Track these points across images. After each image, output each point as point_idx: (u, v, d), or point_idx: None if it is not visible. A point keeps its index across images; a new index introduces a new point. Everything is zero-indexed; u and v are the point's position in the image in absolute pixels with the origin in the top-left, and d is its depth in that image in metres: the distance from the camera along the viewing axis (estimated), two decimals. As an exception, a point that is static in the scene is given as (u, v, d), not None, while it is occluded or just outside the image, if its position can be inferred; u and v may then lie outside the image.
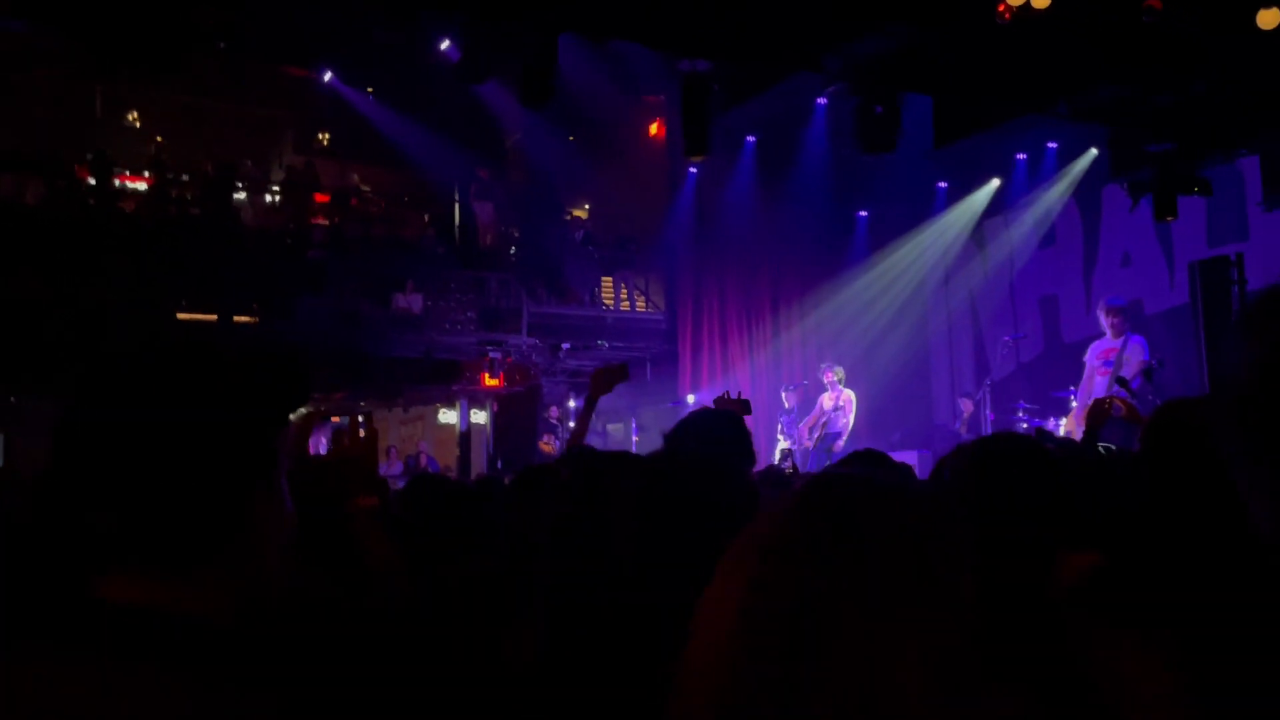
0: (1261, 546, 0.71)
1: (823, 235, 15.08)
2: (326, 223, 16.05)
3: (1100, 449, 6.89)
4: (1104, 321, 8.99)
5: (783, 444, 12.00)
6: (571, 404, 16.35)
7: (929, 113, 7.61)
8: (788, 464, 5.86)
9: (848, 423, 11.08)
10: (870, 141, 6.60)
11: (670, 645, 1.26)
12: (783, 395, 12.69)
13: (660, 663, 1.25)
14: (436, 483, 3.68)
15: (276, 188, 16.76)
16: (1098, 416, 5.30)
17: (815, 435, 11.19)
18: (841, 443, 10.98)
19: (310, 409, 2.80)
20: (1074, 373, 11.03)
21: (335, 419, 2.59)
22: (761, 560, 0.92)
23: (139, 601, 1.02)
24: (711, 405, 3.87)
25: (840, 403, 11.21)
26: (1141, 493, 1.89)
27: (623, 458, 2.06)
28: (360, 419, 2.54)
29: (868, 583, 0.87)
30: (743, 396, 3.88)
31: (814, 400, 12.19)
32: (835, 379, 11.32)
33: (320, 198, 16.60)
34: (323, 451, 2.72)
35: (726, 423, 2.77)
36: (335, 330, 14.04)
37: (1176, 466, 1.67)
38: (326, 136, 17.54)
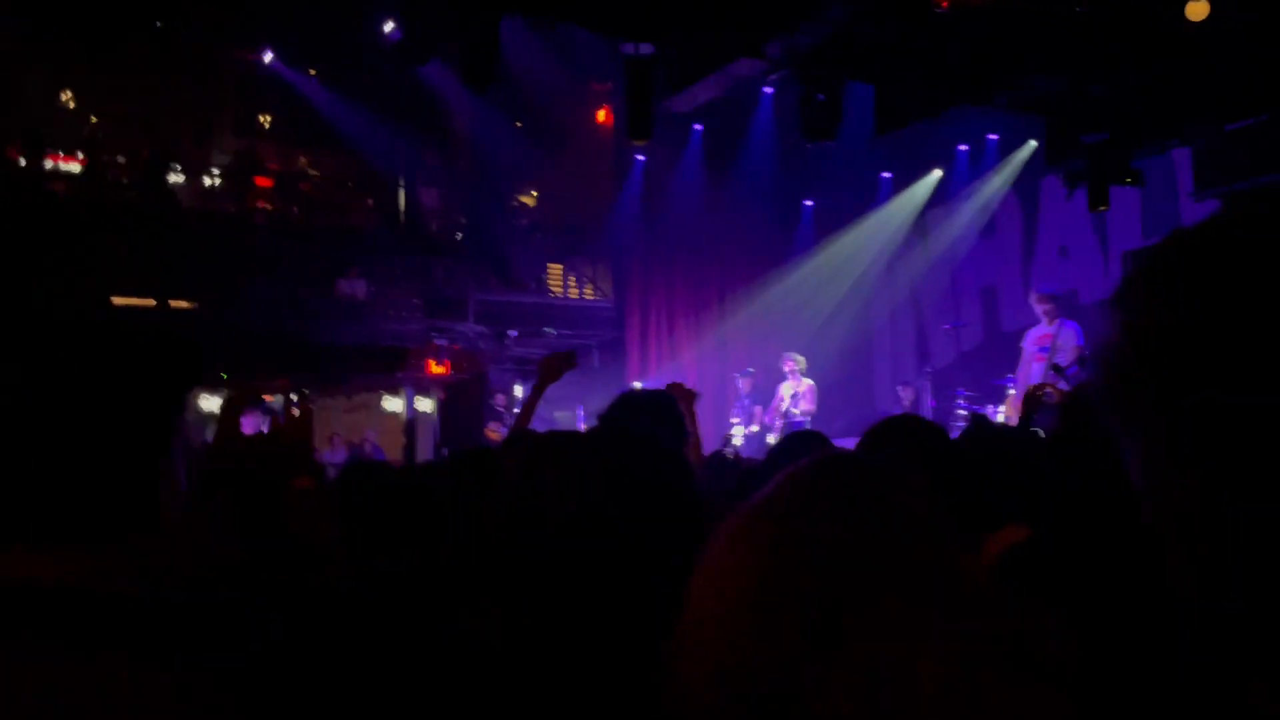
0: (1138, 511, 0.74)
1: (769, 224, 15.18)
2: (269, 207, 15.79)
3: (1036, 435, 7.03)
4: (1036, 309, 9.19)
5: (737, 431, 12.09)
6: (519, 391, 16.28)
7: (871, 101, 7.72)
8: (730, 449, 5.91)
9: (810, 410, 11.16)
10: (813, 130, 6.67)
11: (625, 621, 1.27)
12: (738, 381, 12.78)
13: (618, 639, 1.26)
14: (373, 469, 3.65)
15: (217, 171, 16.43)
16: (1032, 403, 5.43)
17: (778, 423, 11.26)
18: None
19: (238, 391, 2.77)
20: (1013, 361, 11.24)
21: (269, 398, 2.56)
22: (780, 529, 0.90)
23: (44, 578, 1.01)
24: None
25: (800, 390, 11.30)
26: (1057, 471, 1.96)
27: (560, 437, 2.07)
28: (294, 399, 2.52)
29: (896, 561, 0.87)
30: (690, 388, 3.90)
31: (768, 387, 12.31)
32: (795, 367, 11.39)
33: (262, 182, 16.32)
34: (264, 432, 2.70)
35: (657, 400, 2.80)
36: (278, 316, 13.85)
37: (1080, 443, 1.73)
38: (268, 119, 17.24)
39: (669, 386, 3.86)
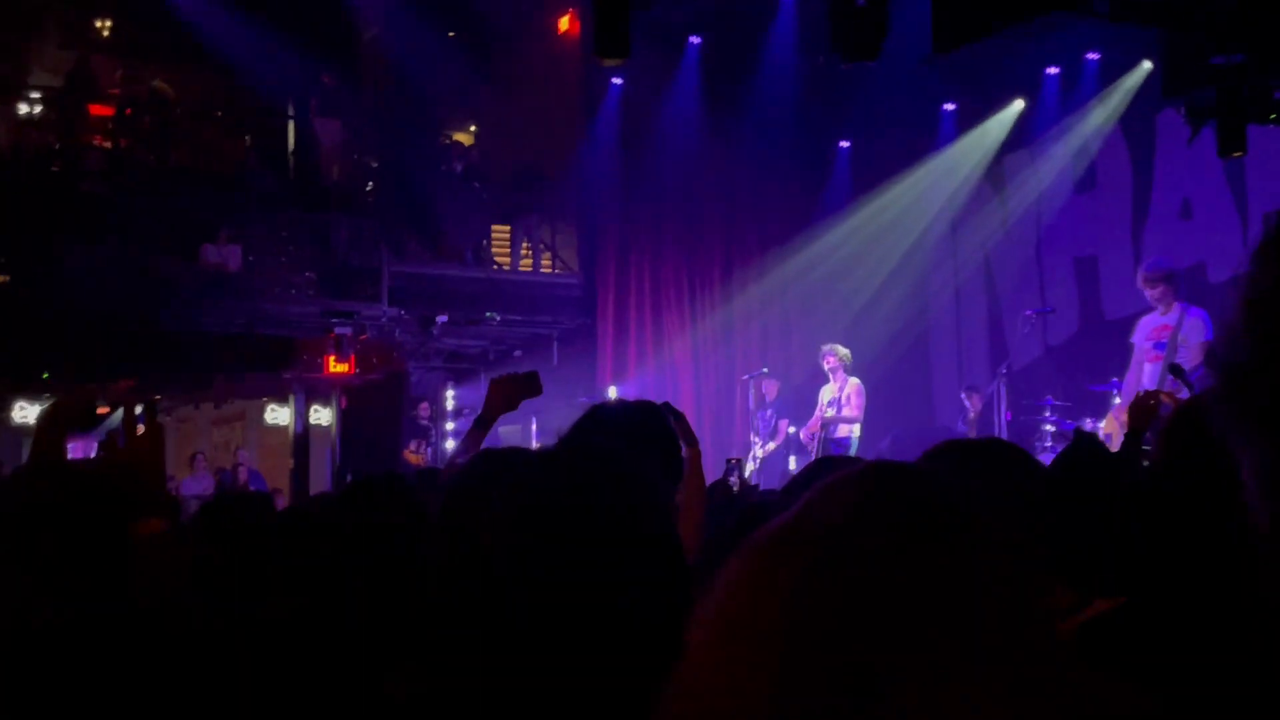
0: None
1: (791, 173, 15.25)
2: (107, 145, 15.73)
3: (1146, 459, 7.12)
4: (1146, 292, 9.29)
5: (757, 449, 12.26)
6: (450, 396, 16.33)
7: (927, 7, 7.74)
8: (734, 478, 5.95)
9: (855, 418, 11.27)
10: (850, 46, 6.73)
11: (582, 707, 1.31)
12: (753, 386, 12.88)
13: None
14: (247, 504, 3.67)
15: (36, 95, 16.35)
16: (1142, 416, 5.49)
17: (815, 442, 11.37)
18: (853, 449, 11.21)
19: (62, 400, 2.78)
20: (1117, 359, 11.37)
21: (103, 409, 2.58)
22: (813, 557, 0.92)
23: None
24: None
25: (845, 394, 11.39)
26: (1156, 515, 1.99)
27: (502, 459, 2.10)
28: (139, 410, 2.54)
29: (962, 603, 0.90)
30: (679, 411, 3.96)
31: (801, 391, 12.39)
32: (838, 363, 11.50)
33: (98, 110, 16.27)
34: (99, 456, 2.71)
35: (639, 415, 2.83)
36: (118, 293, 13.81)
37: (1190, 475, 1.77)
38: (107, 25, 17.18)
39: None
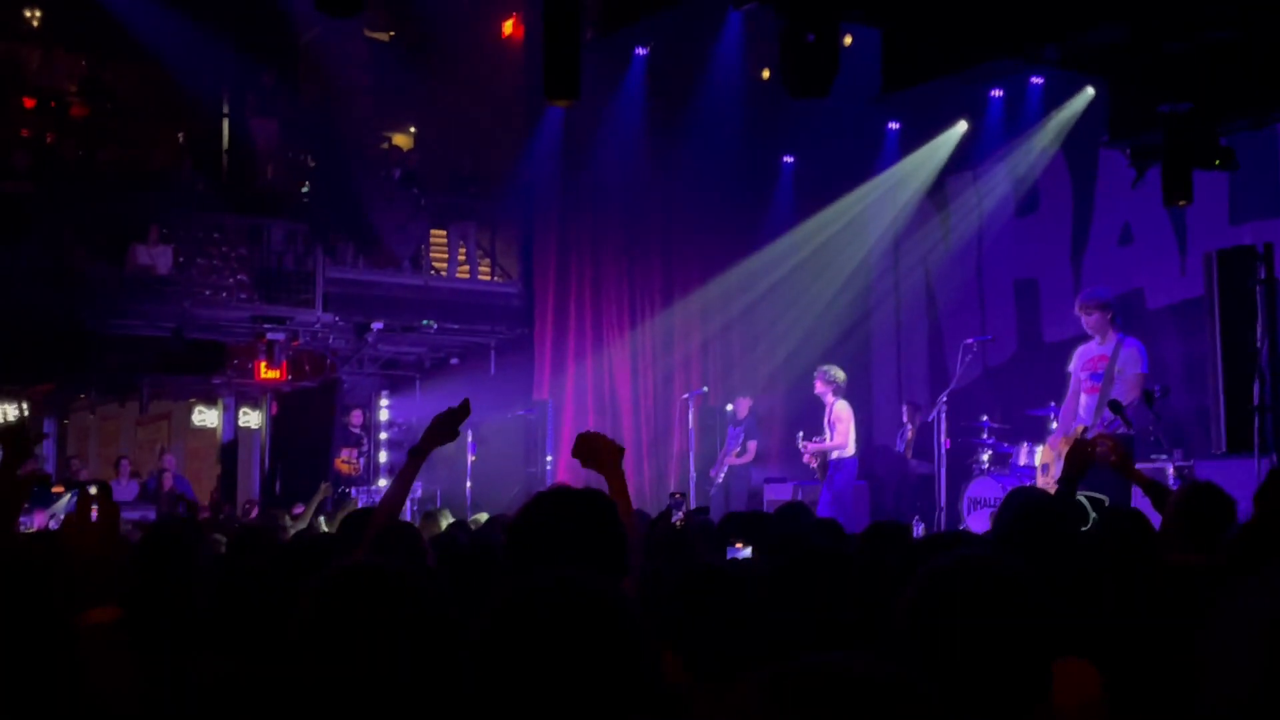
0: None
1: (735, 186, 15.34)
2: (34, 140, 15.50)
3: (1082, 501, 7.31)
4: (1084, 319, 9.47)
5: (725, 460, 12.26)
6: (384, 406, 16.26)
7: (875, 49, 7.85)
8: (679, 515, 5.99)
9: (838, 445, 11.32)
10: (798, 81, 6.80)
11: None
12: (698, 404, 12.98)
13: None
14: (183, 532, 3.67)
15: (-41, 86, 16.07)
16: (1078, 462, 5.62)
17: (816, 464, 11.46)
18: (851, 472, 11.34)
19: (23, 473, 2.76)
20: (1055, 383, 11.56)
21: (58, 488, 2.56)
22: None
23: None
24: (573, 445, 4.01)
25: (830, 418, 11.46)
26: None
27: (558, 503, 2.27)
28: (93, 490, 2.54)
29: None
30: (617, 443, 4.02)
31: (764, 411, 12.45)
32: (825, 386, 11.52)
33: (24, 102, 16.04)
34: (52, 528, 2.71)
35: (586, 510, 2.84)
36: (41, 294, 13.63)
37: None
38: (36, 15, 16.90)
39: (579, 440, 3.98)
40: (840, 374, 11.59)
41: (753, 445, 12.77)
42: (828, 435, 11.49)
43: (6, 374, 15.04)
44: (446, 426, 3.90)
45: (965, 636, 2.03)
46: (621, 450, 3.89)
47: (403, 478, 3.99)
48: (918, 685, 1.13)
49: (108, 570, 2.30)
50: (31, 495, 2.66)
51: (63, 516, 2.54)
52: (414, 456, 3.91)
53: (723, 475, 12.68)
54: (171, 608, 2.92)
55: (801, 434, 11.94)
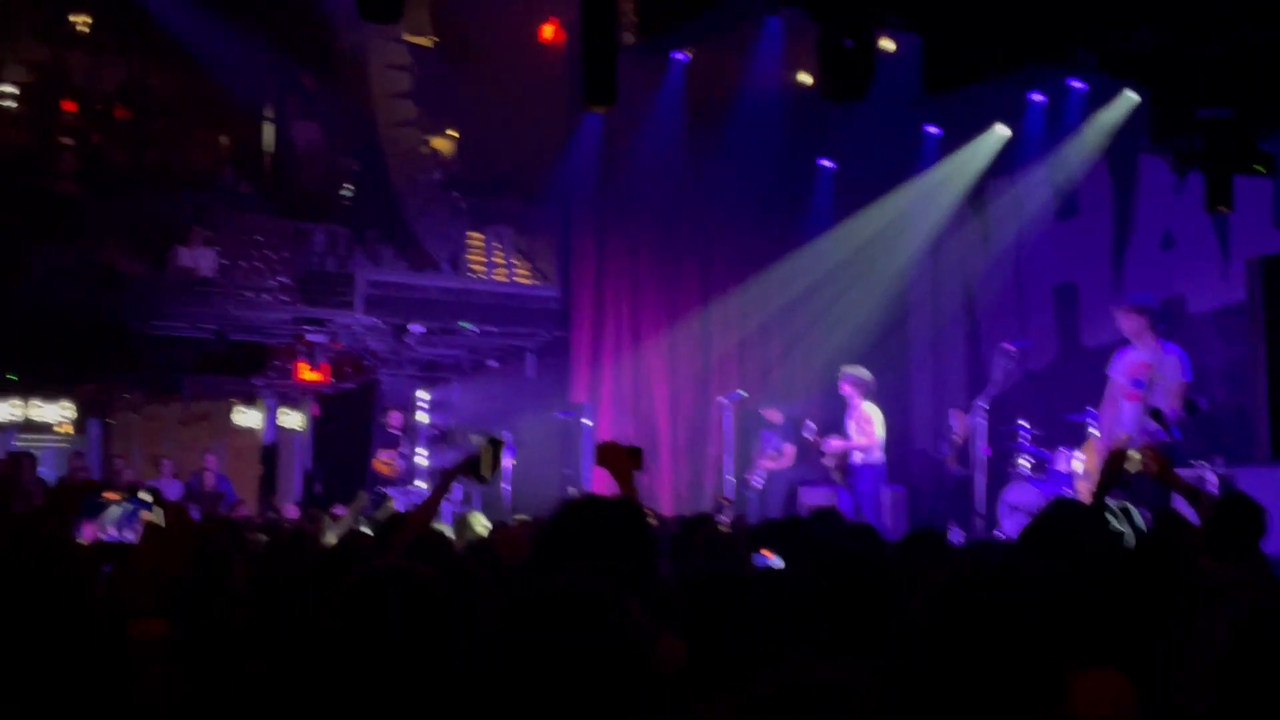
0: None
1: (773, 190, 15.33)
2: (81, 143, 15.66)
3: (1112, 510, 7.27)
4: (1123, 325, 9.40)
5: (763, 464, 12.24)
6: (424, 411, 16.36)
7: (916, 53, 7.86)
8: (725, 516, 6.00)
9: (864, 445, 11.25)
10: (837, 86, 6.83)
11: None
12: (737, 408, 12.98)
13: None
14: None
15: (12, 89, 16.26)
16: (1113, 470, 5.59)
17: (836, 468, 11.42)
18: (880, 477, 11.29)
19: (74, 480, 2.82)
20: (1094, 388, 11.47)
21: (111, 495, 2.61)
22: None
23: None
24: (600, 445, 4.11)
25: (858, 420, 11.39)
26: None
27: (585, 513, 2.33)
28: (147, 498, 2.59)
29: None
30: (634, 446, 4.11)
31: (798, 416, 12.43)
32: (851, 389, 11.46)
33: (71, 107, 16.22)
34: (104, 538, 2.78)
35: (619, 532, 2.87)
36: (86, 295, 13.80)
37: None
38: (83, 20, 17.09)
39: (599, 450, 4.07)
40: (868, 375, 11.53)
41: (789, 449, 12.76)
42: (852, 436, 11.41)
43: (52, 374, 15.25)
44: (475, 463, 4.03)
45: (974, 641, 2.05)
46: (639, 453, 3.97)
47: (434, 495, 4.13)
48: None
49: (163, 583, 2.35)
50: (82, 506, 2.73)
51: (123, 526, 2.61)
52: (444, 477, 4.05)
53: (760, 480, 12.70)
54: (217, 619, 2.99)
55: (814, 428, 11.85)
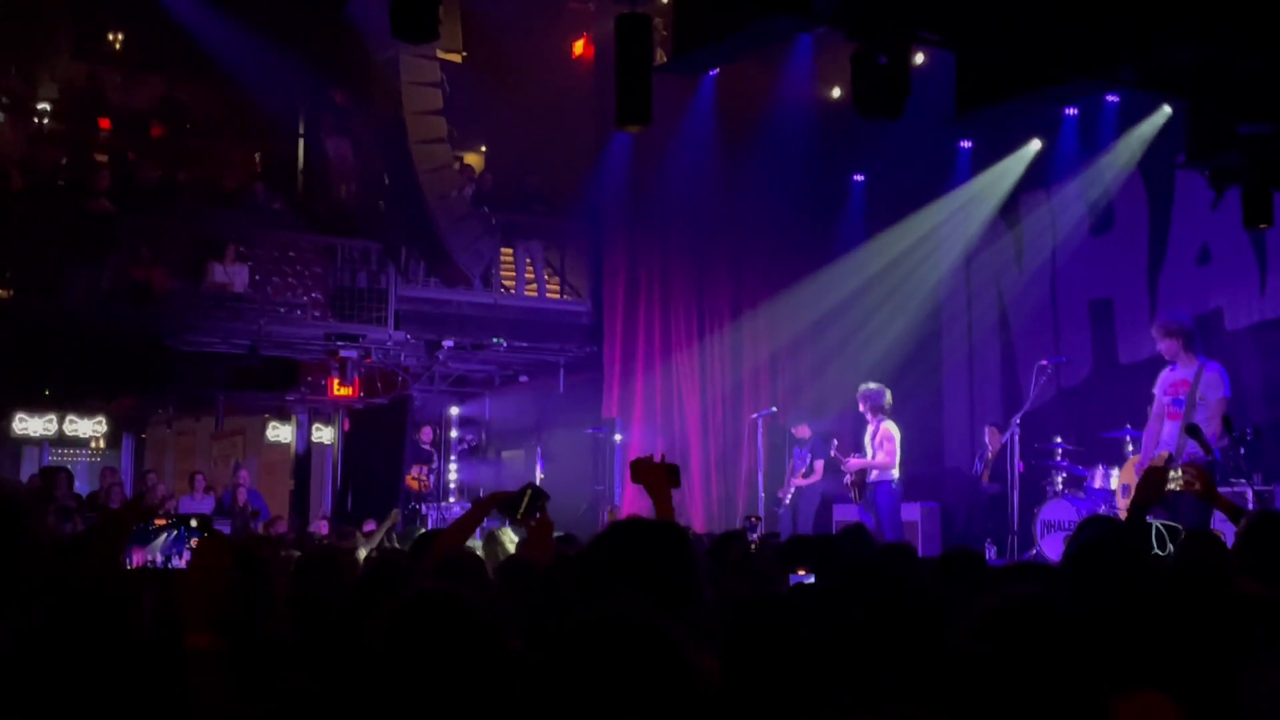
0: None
1: (804, 205, 15.34)
2: (115, 160, 15.79)
3: (1152, 529, 7.19)
4: (1160, 346, 9.33)
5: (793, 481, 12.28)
6: (453, 420, 16.41)
7: (949, 70, 7.86)
8: (754, 537, 6.00)
9: (885, 464, 11.19)
10: (870, 103, 6.82)
11: None
12: (768, 424, 12.96)
13: None
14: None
15: (47, 106, 16.44)
16: (1150, 489, 5.52)
17: (853, 486, 11.39)
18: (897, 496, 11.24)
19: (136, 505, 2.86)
20: (1131, 405, 11.41)
21: (160, 521, 2.65)
22: None
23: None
24: (634, 462, 4.10)
25: (878, 438, 11.34)
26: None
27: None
28: (194, 524, 2.62)
29: None
30: (669, 462, 4.10)
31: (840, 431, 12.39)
32: (866, 406, 11.41)
33: (104, 123, 16.38)
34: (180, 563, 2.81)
35: (663, 556, 2.84)
36: (122, 312, 13.91)
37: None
38: (118, 38, 17.28)
39: (634, 466, 4.05)
40: (886, 393, 11.48)
41: (820, 465, 12.73)
42: (870, 455, 11.36)
43: (88, 389, 15.37)
44: (512, 502, 4.04)
45: (1018, 669, 2.05)
46: (676, 470, 3.96)
47: (466, 521, 4.12)
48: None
49: (210, 601, 2.37)
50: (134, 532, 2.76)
51: (171, 553, 2.64)
52: (476, 507, 4.05)
53: (790, 496, 12.68)
54: (261, 634, 3.01)
55: (835, 443, 11.83)
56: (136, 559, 2.81)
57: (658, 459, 4.11)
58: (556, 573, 4.16)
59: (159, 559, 2.78)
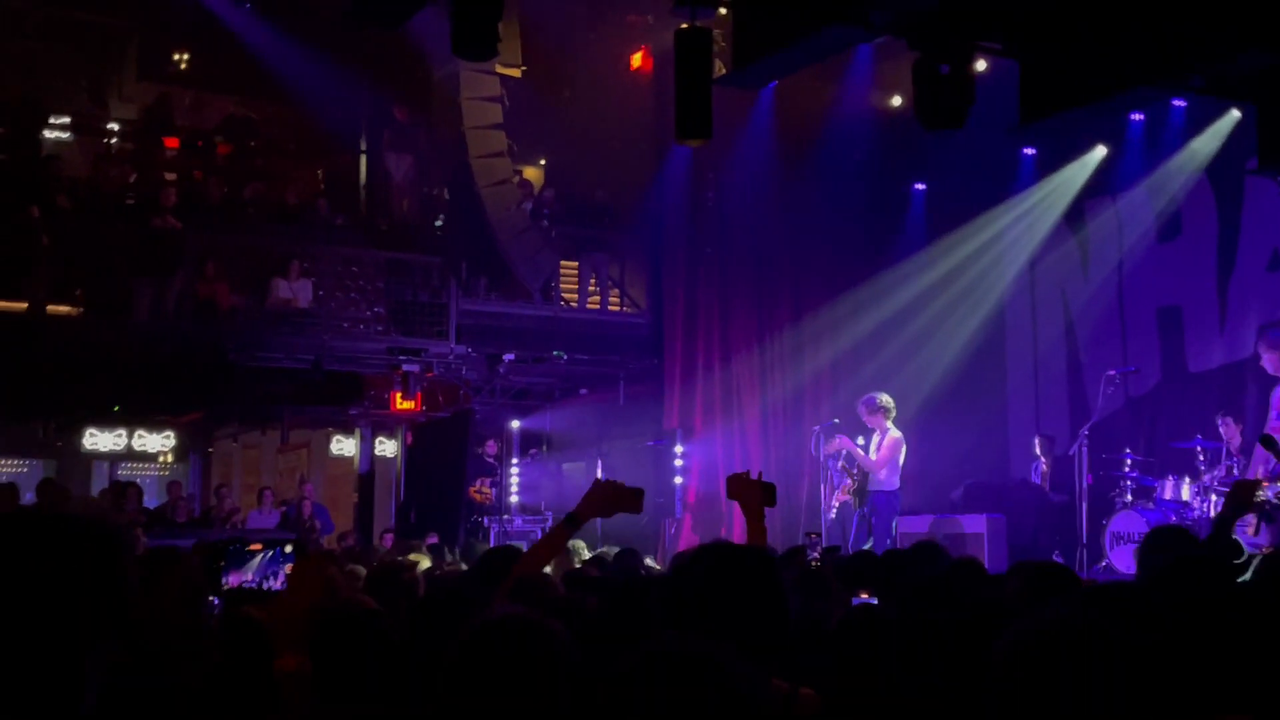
0: None
1: (865, 214, 15.23)
2: (172, 177, 16.00)
3: (1240, 547, 7.05)
4: (1264, 357, 9.22)
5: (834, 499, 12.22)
6: (516, 434, 16.47)
7: (1010, 71, 7.81)
8: (814, 555, 5.96)
9: (888, 470, 11.12)
10: (933, 113, 6.79)
11: None
12: (824, 439, 12.86)
13: None
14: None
15: (115, 126, 16.71)
16: (1240, 501, 5.39)
17: (850, 494, 11.34)
18: (892, 506, 11.13)
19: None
20: (1201, 415, 11.25)
21: (255, 546, 2.68)
22: None
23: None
24: (731, 478, 4.02)
25: (880, 446, 11.30)
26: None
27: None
28: (289, 549, 2.66)
29: None
30: (765, 480, 4.02)
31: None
32: (869, 414, 11.38)
33: (172, 143, 16.63)
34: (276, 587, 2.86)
35: (751, 586, 2.75)
36: (188, 328, 14.11)
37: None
38: (185, 58, 17.54)
39: (730, 482, 3.99)
40: (890, 401, 11.40)
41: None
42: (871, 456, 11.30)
43: (156, 404, 15.61)
44: (611, 499, 3.86)
45: (1098, 694, 1.99)
46: (772, 489, 3.90)
47: (554, 539, 3.89)
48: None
49: (300, 624, 2.41)
50: (228, 555, 2.82)
51: (266, 574, 2.69)
52: (569, 523, 3.79)
53: (834, 512, 12.55)
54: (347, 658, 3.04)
55: (837, 421, 11.74)
56: (233, 580, 2.86)
57: (754, 476, 3.99)
58: (627, 595, 4.03)
59: (253, 579, 2.81)
